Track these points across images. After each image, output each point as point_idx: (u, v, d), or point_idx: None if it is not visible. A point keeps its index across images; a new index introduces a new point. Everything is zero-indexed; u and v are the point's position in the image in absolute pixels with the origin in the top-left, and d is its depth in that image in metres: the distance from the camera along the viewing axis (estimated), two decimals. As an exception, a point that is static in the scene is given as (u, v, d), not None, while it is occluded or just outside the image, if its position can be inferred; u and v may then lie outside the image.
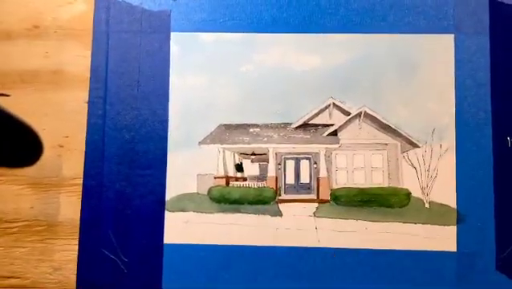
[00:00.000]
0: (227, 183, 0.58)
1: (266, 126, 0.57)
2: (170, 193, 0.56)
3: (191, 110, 0.57)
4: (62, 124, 0.58)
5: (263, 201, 0.56)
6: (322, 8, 0.57)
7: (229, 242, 0.55)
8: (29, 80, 0.59)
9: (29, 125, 0.57)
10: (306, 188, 0.59)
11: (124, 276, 0.55)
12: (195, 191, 0.56)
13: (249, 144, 0.58)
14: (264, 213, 0.56)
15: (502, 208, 0.53)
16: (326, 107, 0.57)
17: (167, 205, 0.56)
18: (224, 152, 0.58)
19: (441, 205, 0.54)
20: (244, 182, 0.59)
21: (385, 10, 0.57)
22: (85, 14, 0.59)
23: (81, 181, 0.56)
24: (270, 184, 0.58)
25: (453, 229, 0.54)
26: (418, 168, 0.55)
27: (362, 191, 0.56)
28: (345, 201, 0.56)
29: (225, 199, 0.56)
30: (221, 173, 0.58)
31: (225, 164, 0.59)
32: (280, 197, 0.58)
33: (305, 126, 0.58)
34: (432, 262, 0.53)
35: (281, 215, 0.56)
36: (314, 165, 0.59)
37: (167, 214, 0.55)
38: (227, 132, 0.57)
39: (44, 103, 0.58)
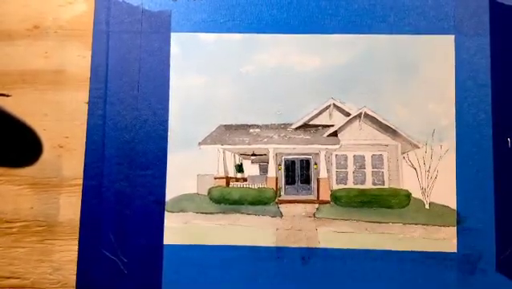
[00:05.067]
0: (227, 183, 0.58)
1: (267, 127, 0.57)
2: (170, 194, 0.56)
3: (191, 110, 0.57)
4: (63, 125, 0.58)
5: (263, 201, 0.56)
6: (322, 9, 0.57)
7: (229, 243, 0.55)
8: (29, 80, 0.59)
9: (28, 125, 0.57)
10: (307, 188, 0.59)
11: (124, 277, 0.55)
12: (195, 191, 0.56)
13: (249, 144, 0.57)
14: (264, 214, 0.56)
15: (502, 209, 0.53)
16: (326, 108, 0.57)
17: (167, 206, 0.55)
18: (224, 152, 0.58)
19: (441, 206, 0.54)
20: (244, 183, 0.59)
21: (385, 11, 0.57)
22: (85, 14, 0.59)
23: (81, 182, 0.56)
24: (270, 184, 0.58)
25: (453, 230, 0.54)
26: (418, 169, 0.55)
27: (362, 192, 0.56)
28: (345, 202, 0.56)
29: (225, 200, 0.56)
30: (222, 174, 0.58)
31: (225, 165, 0.58)
32: (280, 198, 0.58)
33: (305, 127, 0.58)
34: (432, 263, 0.53)
35: (281, 216, 0.56)
36: (315, 166, 0.59)
37: (167, 215, 0.55)
38: (227, 132, 0.57)
39: (44, 103, 0.58)
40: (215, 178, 0.57)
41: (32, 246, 0.57)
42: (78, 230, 0.56)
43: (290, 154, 0.60)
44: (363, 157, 0.58)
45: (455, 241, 0.53)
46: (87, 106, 0.57)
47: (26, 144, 0.57)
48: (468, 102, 0.55)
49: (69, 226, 0.56)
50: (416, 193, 0.55)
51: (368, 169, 0.57)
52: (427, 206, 0.55)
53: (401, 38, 0.56)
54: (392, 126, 0.56)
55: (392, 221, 0.55)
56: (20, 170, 0.58)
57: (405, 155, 0.56)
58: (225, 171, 0.58)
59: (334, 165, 0.58)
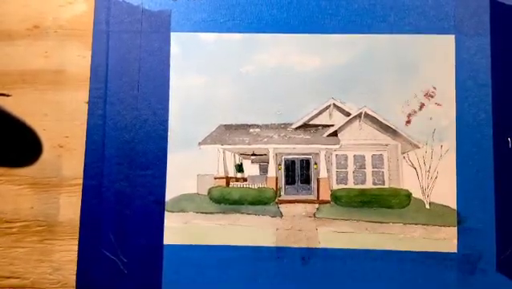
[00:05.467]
0: (227, 183, 0.58)
1: (267, 126, 0.57)
2: (170, 194, 0.56)
3: (191, 110, 0.57)
4: (63, 124, 0.58)
5: (263, 201, 0.56)
6: (322, 8, 0.57)
7: (229, 243, 0.55)
8: (29, 80, 0.59)
9: (28, 125, 0.57)
10: (307, 188, 0.59)
11: (124, 277, 0.55)
12: (195, 191, 0.56)
13: (249, 144, 0.57)
14: (264, 214, 0.56)
15: (503, 209, 0.53)
16: (326, 108, 0.57)
17: (167, 206, 0.55)
18: (224, 152, 0.58)
19: (442, 206, 0.54)
20: (244, 183, 0.59)
21: (386, 11, 0.57)
22: (85, 14, 0.59)
23: (81, 182, 0.56)
24: (270, 184, 0.58)
25: (453, 230, 0.53)
26: (418, 169, 0.55)
27: (362, 192, 0.56)
28: (345, 202, 0.56)
29: (225, 199, 0.56)
30: (222, 174, 0.58)
31: (225, 165, 0.58)
32: (280, 198, 0.58)
33: (305, 126, 0.58)
34: (432, 264, 0.53)
35: (281, 216, 0.56)
36: (315, 166, 0.59)
37: (167, 215, 0.55)
38: (227, 132, 0.57)
39: (44, 103, 0.58)
40: (215, 178, 0.57)
41: (32, 246, 0.57)
42: (78, 230, 0.55)
43: (290, 154, 0.60)
44: (363, 157, 0.58)
45: (455, 241, 0.53)
46: (87, 106, 0.57)
47: (26, 144, 0.57)
48: (468, 102, 0.55)
49: (69, 226, 0.56)
50: (416, 193, 0.55)
51: (368, 169, 0.57)
52: (427, 206, 0.54)
53: (401, 37, 0.56)
54: (392, 126, 0.56)
55: (393, 221, 0.54)
56: (20, 170, 0.58)
57: (405, 155, 0.56)
58: (225, 171, 0.58)
59: (334, 165, 0.58)
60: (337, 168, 0.58)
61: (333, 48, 0.57)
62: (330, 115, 0.57)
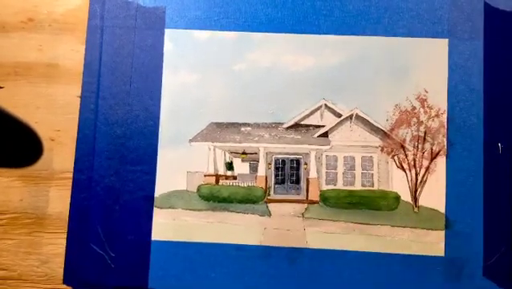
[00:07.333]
0: (217, 181, 0.58)
1: (258, 125, 0.57)
2: (159, 190, 0.56)
3: (183, 107, 0.57)
4: (54, 118, 0.58)
5: (252, 200, 0.56)
6: (317, 9, 0.57)
7: (216, 241, 0.55)
8: (22, 73, 0.59)
9: (28, 125, 0.57)
10: (296, 188, 0.59)
11: (111, 271, 0.55)
12: (184, 188, 0.56)
13: (240, 142, 0.57)
14: (253, 213, 0.56)
15: (491, 214, 0.53)
16: (318, 109, 0.57)
17: (156, 202, 0.56)
18: (214, 150, 0.58)
19: (430, 209, 0.54)
20: (234, 181, 0.59)
21: (380, 13, 0.57)
22: (80, 8, 0.59)
23: (71, 175, 0.56)
24: (260, 183, 0.58)
25: (441, 234, 0.53)
26: (408, 172, 0.55)
27: (351, 193, 0.56)
28: (334, 203, 0.56)
29: (214, 197, 0.56)
30: (211, 171, 0.58)
31: (215, 163, 0.59)
32: (269, 197, 0.58)
33: (296, 126, 0.58)
34: (419, 267, 0.53)
35: (269, 215, 0.56)
36: (305, 166, 0.59)
37: (155, 211, 0.55)
38: (218, 130, 0.57)
39: (37, 96, 0.58)
40: (205, 175, 0.57)
41: (20, 239, 0.57)
42: (66, 224, 0.56)
43: (280, 153, 0.60)
44: (353, 158, 0.58)
45: (443, 245, 0.53)
46: (79, 100, 0.57)
47: (26, 144, 0.57)
48: (460, 106, 0.55)
49: (58, 219, 0.56)
50: (405, 196, 0.55)
51: (358, 171, 0.57)
52: (416, 209, 0.54)
53: (395, 40, 0.56)
54: (383, 128, 0.56)
55: (381, 224, 0.54)
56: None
57: (395, 157, 0.56)
58: (215, 169, 0.58)
59: (324, 166, 0.58)
60: (327, 169, 0.58)
61: (326, 49, 0.57)
62: (321, 115, 0.57)
